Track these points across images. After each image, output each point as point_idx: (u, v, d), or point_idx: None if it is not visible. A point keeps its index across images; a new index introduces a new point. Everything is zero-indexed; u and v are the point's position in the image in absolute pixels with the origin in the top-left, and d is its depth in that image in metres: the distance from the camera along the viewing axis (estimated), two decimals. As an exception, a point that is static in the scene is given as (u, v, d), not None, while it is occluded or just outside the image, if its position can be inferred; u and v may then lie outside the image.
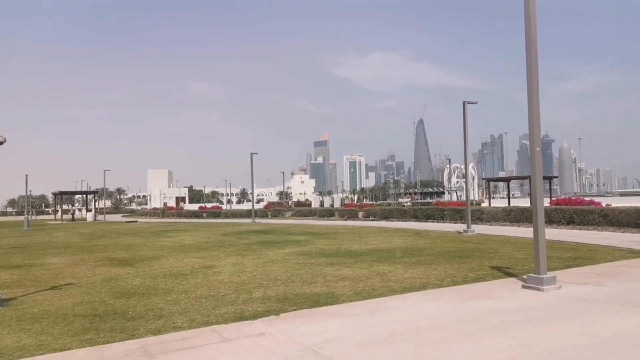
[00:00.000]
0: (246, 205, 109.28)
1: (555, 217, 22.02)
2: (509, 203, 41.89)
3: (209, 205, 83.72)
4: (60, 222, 53.61)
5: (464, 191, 29.44)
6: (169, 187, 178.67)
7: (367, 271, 10.82)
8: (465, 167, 21.30)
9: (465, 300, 7.58)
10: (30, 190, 68.56)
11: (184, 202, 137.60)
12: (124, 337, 6.16)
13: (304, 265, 12.01)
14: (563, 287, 8.05)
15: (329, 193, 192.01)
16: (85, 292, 9.35)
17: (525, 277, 8.62)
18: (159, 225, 38.90)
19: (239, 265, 12.55)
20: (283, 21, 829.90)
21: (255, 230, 27.07)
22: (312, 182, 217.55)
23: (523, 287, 8.26)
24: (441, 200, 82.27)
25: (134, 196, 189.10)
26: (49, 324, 6.95)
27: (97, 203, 75.59)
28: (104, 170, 59.17)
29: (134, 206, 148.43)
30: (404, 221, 31.34)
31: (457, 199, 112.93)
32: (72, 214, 63.39)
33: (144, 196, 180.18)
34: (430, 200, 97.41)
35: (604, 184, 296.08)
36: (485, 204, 45.06)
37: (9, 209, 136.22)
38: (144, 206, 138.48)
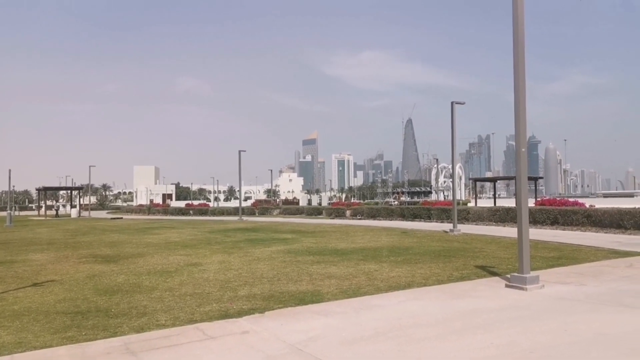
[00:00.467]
0: (234, 203, 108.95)
1: (539, 218, 22.26)
2: (495, 203, 42.21)
3: (196, 202, 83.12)
4: (44, 218, 52.96)
5: (451, 191, 29.62)
6: (156, 183, 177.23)
7: (353, 270, 10.84)
8: (453, 167, 21.43)
9: (450, 298, 7.63)
10: (14, 186, 67.62)
11: (171, 199, 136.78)
12: (107, 334, 6.08)
13: (290, 264, 12.00)
14: (546, 287, 8.14)
15: (317, 191, 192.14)
16: (68, 289, 9.23)
17: (509, 276, 8.70)
18: (144, 222, 38.54)
19: (225, 263, 12.49)
20: (273, 18, 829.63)
21: (242, 228, 26.96)
22: (300, 181, 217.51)
23: (507, 286, 8.34)
24: (428, 200, 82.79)
25: (119, 193, 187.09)
26: (30, 321, 6.84)
27: (82, 199, 74.68)
28: (89, 166, 58.42)
29: (119, 203, 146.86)
30: (391, 220, 31.46)
31: (444, 198, 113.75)
32: (57, 210, 62.39)
33: (130, 193, 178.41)
34: (418, 200, 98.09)
35: (588, 185, 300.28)
36: (471, 204, 45.39)
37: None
38: (130, 203, 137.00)
